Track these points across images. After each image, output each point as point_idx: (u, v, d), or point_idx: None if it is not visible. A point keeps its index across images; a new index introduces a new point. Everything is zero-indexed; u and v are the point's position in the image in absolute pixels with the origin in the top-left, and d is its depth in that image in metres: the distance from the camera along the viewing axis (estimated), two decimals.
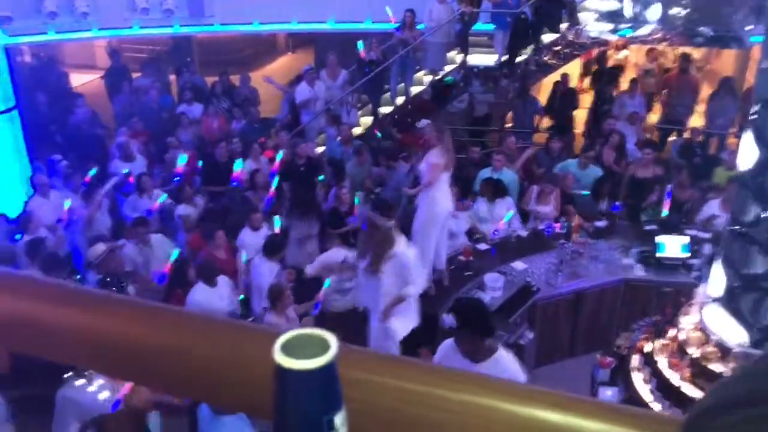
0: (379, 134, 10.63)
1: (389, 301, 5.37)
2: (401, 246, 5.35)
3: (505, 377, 3.88)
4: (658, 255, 7.26)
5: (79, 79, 14.44)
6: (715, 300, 5.31)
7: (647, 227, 7.88)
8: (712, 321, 5.34)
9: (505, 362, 4.06)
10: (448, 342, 4.26)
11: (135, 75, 12.31)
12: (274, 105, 12.54)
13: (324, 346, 0.71)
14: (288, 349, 0.70)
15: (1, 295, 0.99)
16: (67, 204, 7.32)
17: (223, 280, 6.19)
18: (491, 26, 11.10)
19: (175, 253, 6.70)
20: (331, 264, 6.37)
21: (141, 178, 8.06)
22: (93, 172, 7.87)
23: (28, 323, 0.96)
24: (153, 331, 0.91)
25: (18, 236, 7.06)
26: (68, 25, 10.86)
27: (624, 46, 12.79)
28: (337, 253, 6.60)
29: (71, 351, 0.98)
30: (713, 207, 7.82)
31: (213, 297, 5.99)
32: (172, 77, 12.78)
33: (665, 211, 7.96)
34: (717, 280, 5.26)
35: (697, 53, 13.67)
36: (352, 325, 6.41)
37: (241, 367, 0.87)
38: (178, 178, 8.26)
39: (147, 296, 6.50)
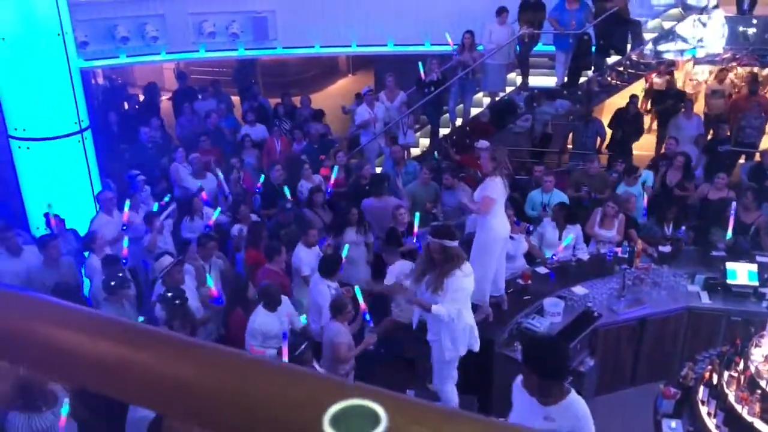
0: (436, 155, 10.66)
1: (422, 302, 5.38)
2: (465, 268, 5.30)
3: (574, 424, 3.75)
4: (728, 282, 6.99)
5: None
6: None
7: (714, 253, 7.61)
8: None
9: (576, 408, 3.80)
10: (520, 378, 4.00)
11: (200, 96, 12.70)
12: (336, 126, 12.75)
13: (374, 420, 0.68)
14: (337, 422, 0.67)
15: (65, 330, 1.02)
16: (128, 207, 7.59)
17: (284, 303, 6.25)
18: (552, 48, 11.00)
19: (209, 279, 6.75)
20: (403, 273, 6.41)
21: (192, 201, 8.21)
22: (128, 205, 7.91)
23: (91, 359, 0.98)
24: (210, 374, 0.91)
25: (86, 254, 7.33)
26: (139, 48, 11.35)
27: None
28: (405, 265, 6.63)
29: (134, 391, 0.99)
30: None
31: (273, 321, 6.05)
32: (236, 99, 13.14)
33: (729, 233, 7.67)
34: None
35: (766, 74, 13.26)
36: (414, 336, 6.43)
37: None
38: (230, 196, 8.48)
39: (210, 312, 6.66)
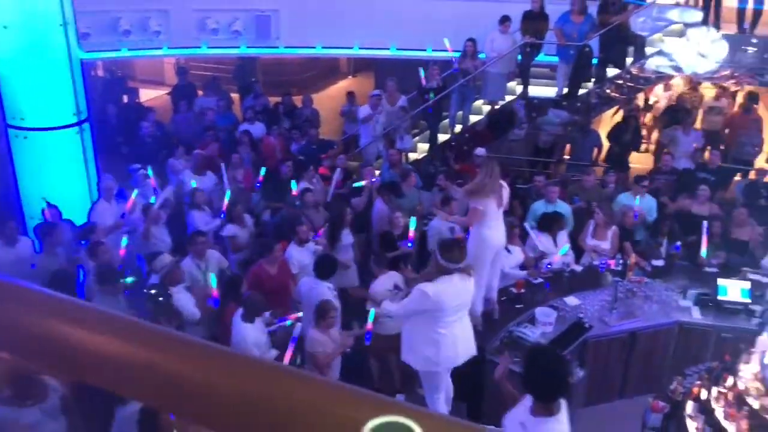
0: (434, 161, 10.69)
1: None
2: (435, 283, 5.22)
3: None
4: (719, 298, 7.04)
5: (147, 95, 14.99)
6: None
7: (707, 269, 7.66)
8: None
9: (562, 425, 3.76)
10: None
11: (201, 93, 12.71)
12: (334, 127, 12.78)
13: None
14: None
15: (78, 328, 1.03)
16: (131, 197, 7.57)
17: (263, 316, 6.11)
18: (553, 58, 11.05)
19: (213, 278, 6.71)
20: (378, 292, 6.41)
21: (194, 194, 8.20)
22: (135, 193, 7.92)
23: (100, 356, 0.99)
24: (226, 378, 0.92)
25: (84, 242, 7.31)
26: (141, 42, 11.34)
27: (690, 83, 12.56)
28: (391, 278, 6.64)
29: (141, 388, 1.00)
30: None
31: (255, 332, 5.92)
32: (235, 96, 13.14)
33: (704, 251, 7.70)
34: None
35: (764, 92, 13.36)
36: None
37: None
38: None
39: (204, 308, 6.63)
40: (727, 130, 11.63)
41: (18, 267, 6.79)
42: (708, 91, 12.81)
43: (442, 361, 5.40)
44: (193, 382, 1.00)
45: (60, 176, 8.16)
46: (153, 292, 5.91)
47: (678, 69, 10.94)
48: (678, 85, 12.69)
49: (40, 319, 1.13)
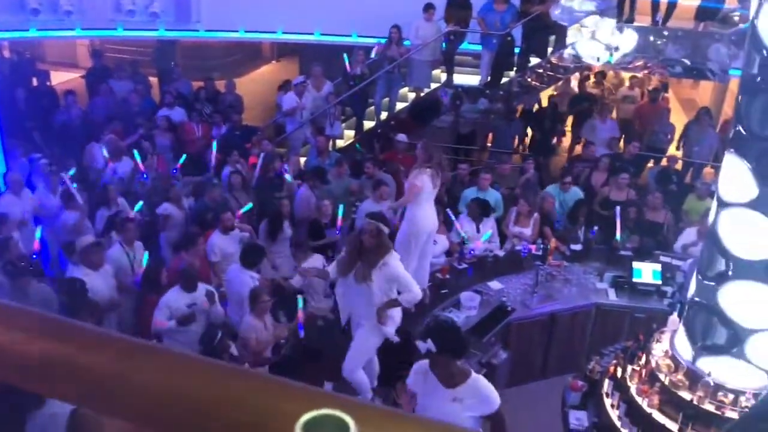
0: (359, 147, 10.67)
1: (385, 303, 5.35)
2: (393, 255, 5.36)
3: (481, 399, 3.93)
4: (634, 280, 7.34)
5: (59, 77, 14.27)
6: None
7: (622, 252, 7.97)
8: (682, 349, 5.41)
9: (480, 386, 4.03)
10: (422, 364, 4.18)
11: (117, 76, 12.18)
12: (258, 113, 12.54)
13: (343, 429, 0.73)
14: (308, 429, 0.72)
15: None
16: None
17: (200, 288, 6.13)
18: (477, 47, 11.19)
19: (146, 257, 6.62)
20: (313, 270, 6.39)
21: (106, 189, 7.87)
22: (72, 172, 7.75)
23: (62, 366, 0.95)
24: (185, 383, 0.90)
25: None
26: (51, 23, 10.76)
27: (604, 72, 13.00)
28: (317, 261, 6.61)
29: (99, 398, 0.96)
30: (691, 235, 7.92)
31: (185, 299, 5.98)
32: (154, 80, 12.69)
33: (617, 235, 8.01)
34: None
35: (675, 82, 14.00)
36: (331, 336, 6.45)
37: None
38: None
39: (124, 297, 6.43)
40: (637, 120, 12.10)
41: None
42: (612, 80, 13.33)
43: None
44: (108, 374, 0.96)
45: None
46: (66, 282, 5.68)
47: (596, 58, 11.30)
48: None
49: None
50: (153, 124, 10.09)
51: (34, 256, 6.73)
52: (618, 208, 8.14)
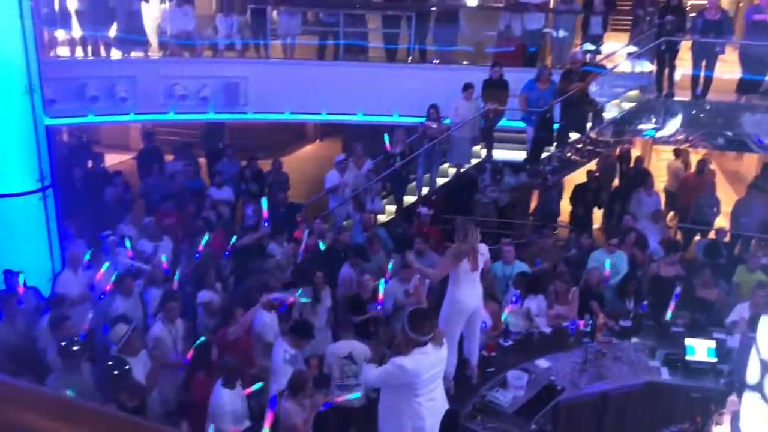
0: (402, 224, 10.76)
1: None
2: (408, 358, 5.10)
3: None
4: (687, 358, 7.10)
5: (111, 159, 14.88)
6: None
7: (674, 329, 7.74)
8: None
9: None
10: None
11: (167, 157, 12.65)
12: (300, 191, 12.81)
13: None
14: None
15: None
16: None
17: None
18: (516, 123, 11.38)
19: (202, 339, 6.61)
20: (331, 359, 6.42)
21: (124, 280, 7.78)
22: (106, 266, 7.80)
23: None
24: None
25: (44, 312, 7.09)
26: (107, 108, 11.33)
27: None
28: (342, 347, 6.54)
29: None
30: (743, 310, 7.67)
31: (235, 399, 5.84)
32: (203, 161, 13.12)
33: (669, 314, 7.79)
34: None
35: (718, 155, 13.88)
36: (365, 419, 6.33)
37: None
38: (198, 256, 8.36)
39: (164, 374, 6.42)
40: (683, 192, 11.96)
41: None
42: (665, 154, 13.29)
43: (428, 430, 5.30)
44: None
45: (22, 243, 7.97)
46: (110, 364, 5.69)
47: (635, 133, 11.34)
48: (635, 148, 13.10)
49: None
50: (202, 204, 10.38)
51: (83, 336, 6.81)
52: (679, 288, 7.93)
